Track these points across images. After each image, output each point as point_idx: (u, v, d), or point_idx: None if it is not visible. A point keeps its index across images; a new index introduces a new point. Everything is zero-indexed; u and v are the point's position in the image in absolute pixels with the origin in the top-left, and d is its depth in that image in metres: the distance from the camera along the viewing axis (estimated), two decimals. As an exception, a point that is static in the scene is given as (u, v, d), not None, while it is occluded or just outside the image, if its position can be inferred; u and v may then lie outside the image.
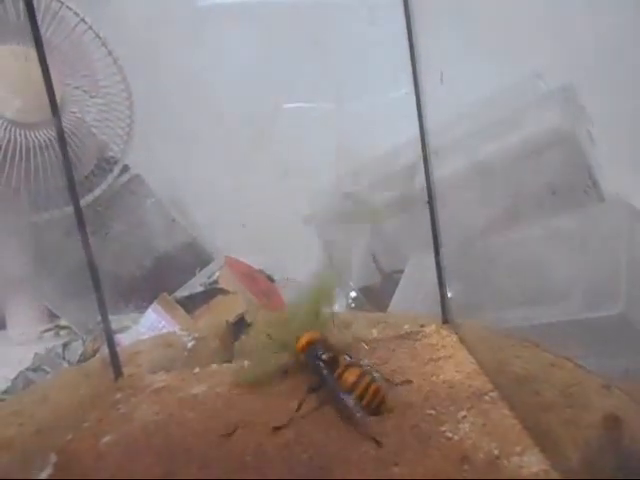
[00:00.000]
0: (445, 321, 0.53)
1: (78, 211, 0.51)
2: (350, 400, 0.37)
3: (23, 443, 0.45)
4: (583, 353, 0.56)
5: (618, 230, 0.70)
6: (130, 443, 0.39)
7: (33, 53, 0.52)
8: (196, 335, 0.66)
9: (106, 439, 0.40)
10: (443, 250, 0.62)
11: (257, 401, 0.42)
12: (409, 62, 0.62)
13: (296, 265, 1.20)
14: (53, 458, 0.39)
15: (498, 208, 0.90)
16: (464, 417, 0.37)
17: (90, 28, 1.05)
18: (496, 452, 0.33)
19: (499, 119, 0.92)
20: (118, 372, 0.51)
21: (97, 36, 1.06)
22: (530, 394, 0.44)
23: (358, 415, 0.36)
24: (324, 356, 0.41)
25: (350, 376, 0.39)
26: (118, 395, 0.47)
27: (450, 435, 0.35)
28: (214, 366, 0.51)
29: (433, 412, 0.38)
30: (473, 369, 0.43)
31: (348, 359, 0.42)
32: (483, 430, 0.35)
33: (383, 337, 0.51)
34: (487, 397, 0.39)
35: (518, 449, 0.33)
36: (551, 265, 0.72)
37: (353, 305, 1.03)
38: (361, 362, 0.43)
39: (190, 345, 0.66)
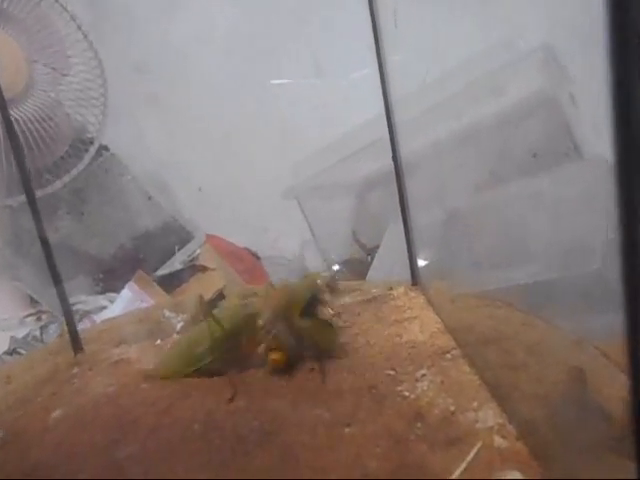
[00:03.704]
0: (414, 283, 0.51)
1: (32, 199, 0.49)
2: None
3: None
4: (561, 312, 0.55)
5: (597, 188, 0.69)
6: (79, 416, 0.37)
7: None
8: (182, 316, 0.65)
9: (56, 413, 0.38)
10: (422, 215, 0.59)
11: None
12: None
13: (280, 240, 1.19)
14: (0, 433, 0.37)
15: (480, 173, 0.89)
16: (423, 376, 0.35)
17: (57, 1, 1.01)
18: (452, 408, 0.32)
19: (478, 82, 0.90)
20: (78, 348, 0.50)
21: (64, 9, 1.02)
22: (498, 353, 0.43)
23: None
24: None
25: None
26: (75, 370, 0.46)
27: (407, 394, 0.34)
28: (175, 336, 0.49)
29: (392, 372, 0.37)
30: (438, 329, 0.42)
31: None
32: (441, 387, 0.34)
33: (350, 302, 0.50)
34: (449, 355, 0.38)
35: (475, 404, 0.32)
36: (530, 226, 0.70)
37: (336, 278, 1.02)
38: None
39: (179, 327, 0.64)
